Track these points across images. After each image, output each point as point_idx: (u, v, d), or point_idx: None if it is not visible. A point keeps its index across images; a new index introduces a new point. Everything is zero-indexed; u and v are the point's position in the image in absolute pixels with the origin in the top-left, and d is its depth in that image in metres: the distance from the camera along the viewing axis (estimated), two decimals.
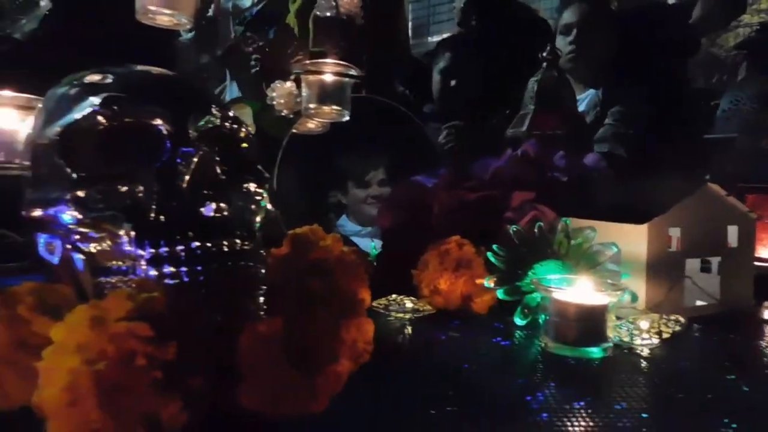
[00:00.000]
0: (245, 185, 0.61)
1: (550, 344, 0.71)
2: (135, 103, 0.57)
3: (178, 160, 0.57)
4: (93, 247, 0.55)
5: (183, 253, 0.54)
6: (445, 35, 2.62)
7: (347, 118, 0.98)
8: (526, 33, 2.03)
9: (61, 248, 0.56)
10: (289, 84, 0.99)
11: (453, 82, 1.97)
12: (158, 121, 0.57)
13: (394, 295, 0.87)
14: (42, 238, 0.57)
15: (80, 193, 0.54)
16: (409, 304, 0.85)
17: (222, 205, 0.56)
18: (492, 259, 0.86)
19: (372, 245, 1.15)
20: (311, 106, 0.95)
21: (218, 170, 0.58)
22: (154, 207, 0.54)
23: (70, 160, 0.55)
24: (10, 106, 0.70)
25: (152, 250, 0.53)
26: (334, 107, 0.95)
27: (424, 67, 2.11)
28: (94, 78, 0.60)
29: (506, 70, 1.83)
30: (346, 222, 1.55)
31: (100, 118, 0.55)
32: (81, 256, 0.55)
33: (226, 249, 0.56)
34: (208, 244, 0.55)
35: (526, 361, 0.71)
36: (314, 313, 0.54)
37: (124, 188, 0.54)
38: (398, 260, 0.94)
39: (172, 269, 0.54)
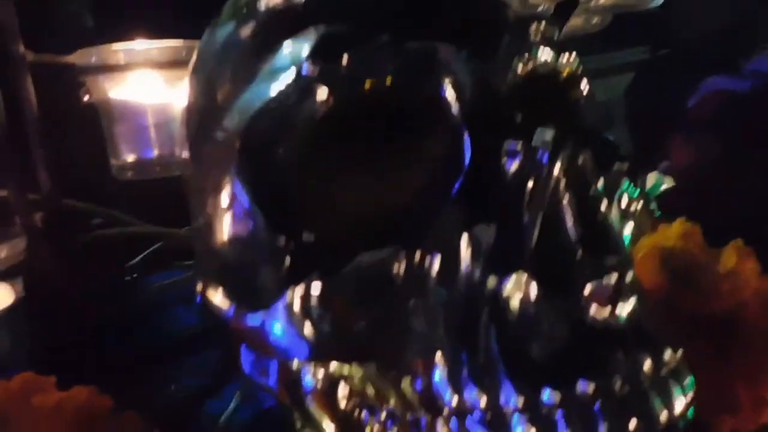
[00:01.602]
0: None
1: None
2: (381, 42, 0.25)
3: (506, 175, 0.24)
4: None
5: (560, 408, 0.22)
6: None
7: (659, 2, 0.58)
8: None
9: (277, 371, 0.28)
10: None
11: None
12: (443, 85, 0.25)
13: None
14: (248, 356, 0.29)
15: (307, 291, 0.24)
16: None
17: (623, 282, 0.23)
18: None
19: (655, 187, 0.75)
20: None
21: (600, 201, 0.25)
22: (479, 308, 0.23)
23: (272, 209, 0.25)
24: (148, 66, 0.41)
25: (485, 400, 0.23)
26: None
27: None
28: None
29: None
30: None
31: (321, 93, 0.24)
32: (312, 380, 0.27)
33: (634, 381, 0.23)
34: (612, 384, 0.23)
35: None
36: None
37: (400, 266, 0.23)
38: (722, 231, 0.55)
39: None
